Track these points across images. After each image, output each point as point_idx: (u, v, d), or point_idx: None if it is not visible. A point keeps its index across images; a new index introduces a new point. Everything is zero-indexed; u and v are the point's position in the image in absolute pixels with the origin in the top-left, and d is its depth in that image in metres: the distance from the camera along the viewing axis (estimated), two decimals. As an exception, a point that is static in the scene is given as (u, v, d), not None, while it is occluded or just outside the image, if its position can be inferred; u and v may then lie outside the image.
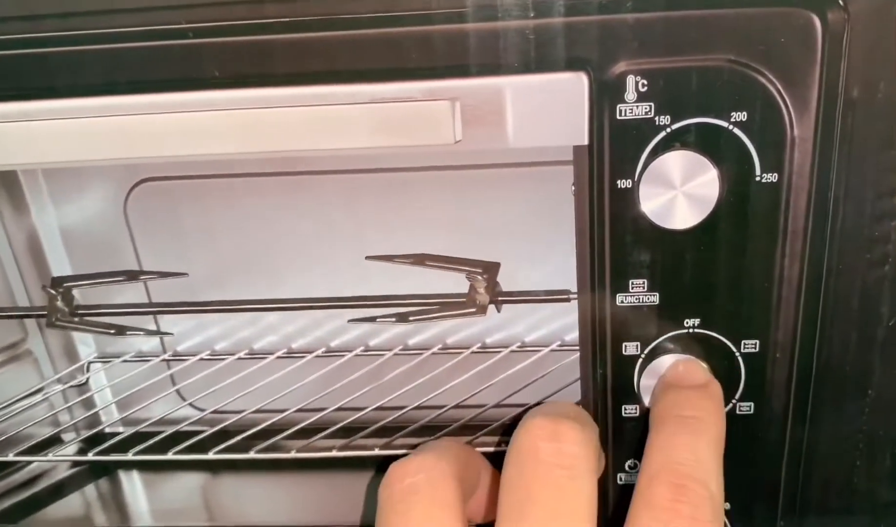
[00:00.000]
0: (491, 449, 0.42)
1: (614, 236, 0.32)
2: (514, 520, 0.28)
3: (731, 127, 0.29)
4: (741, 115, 0.29)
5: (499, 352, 0.48)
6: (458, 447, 0.33)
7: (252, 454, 0.47)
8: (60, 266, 0.51)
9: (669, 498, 0.28)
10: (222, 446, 0.47)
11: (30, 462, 0.51)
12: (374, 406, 0.48)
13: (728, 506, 0.36)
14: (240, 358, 0.51)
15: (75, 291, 0.48)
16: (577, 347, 0.35)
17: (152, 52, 0.30)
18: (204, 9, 0.30)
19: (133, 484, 0.53)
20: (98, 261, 0.49)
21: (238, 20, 0.30)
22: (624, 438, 0.36)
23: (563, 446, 0.29)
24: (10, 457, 0.49)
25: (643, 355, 0.34)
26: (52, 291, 0.47)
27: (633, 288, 0.32)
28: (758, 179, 0.30)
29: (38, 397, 0.52)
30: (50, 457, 0.51)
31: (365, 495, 0.46)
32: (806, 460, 0.35)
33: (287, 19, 0.29)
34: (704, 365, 0.33)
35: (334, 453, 0.47)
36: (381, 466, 0.41)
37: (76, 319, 0.48)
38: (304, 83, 0.30)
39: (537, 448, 0.29)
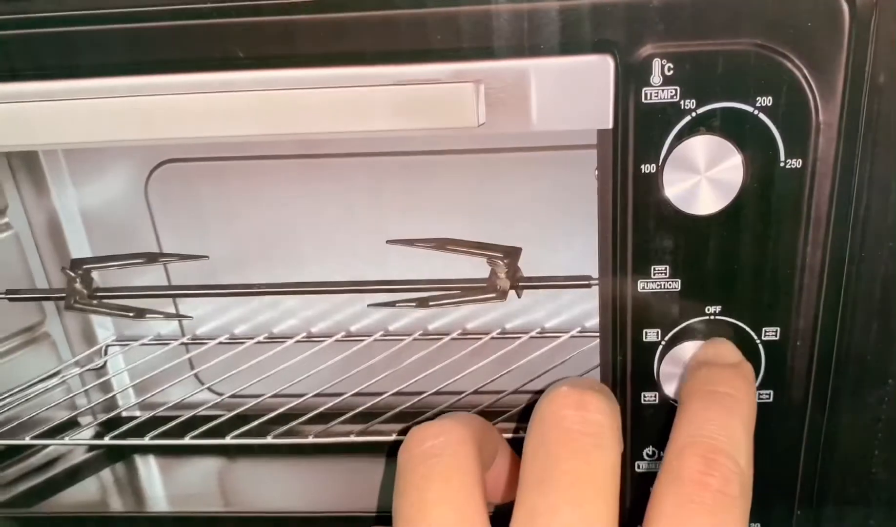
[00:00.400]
0: (509, 435, 0.42)
1: (637, 222, 0.32)
2: (536, 485, 0.28)
3: (756, 112, 0.29)
4: (767, 100, 0.29)
5: (518, 338, 0.49)
6: (477, 418, 0.33)
7: (269, 439, 0.47)
8: (80, 248, 0.51)
9: (699, 471, 0.28)
10: (240, 430, 0.48)
11: (46, 446, 0.52)
12: (392, 391, 0.48)
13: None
14: (259, 342, 0.52)
15: (94, 274, 0.49)
16: (598, 334, 0.35)
17: (176, 32, 0.30)
18: (229, -12, 0.30)
19: (149, 469, 0.53)
20: (118, 243, 0.49)
21: (262, 0, 0.30)
22: (643, 425, 0.36)
23: (589, 414, 0.30)
24: (27, 440, 0.49)
25: (664, 342, 0.34)
26: (72, 274, 0.47)
27: (654, 274, 0.33)
28: (782, 164, 0.30)
29: (55, 380, 0.52)
30: (66, 441, 0.51)
31: (382, 480, 0.46)
32: (824, 449, 0.36)
33: (311, 0, 0.30)
34: (734, 345, 0.33)
35: (352, 439, 0.47)
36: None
37: (95, 302, 0.48)
38: (328, 65, 0.30)
39: (562, 416, 0.30)
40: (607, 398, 0.31)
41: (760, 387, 0.34)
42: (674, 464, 0.29)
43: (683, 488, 0.28)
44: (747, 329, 0.33)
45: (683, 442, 0.29)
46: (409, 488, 0.30)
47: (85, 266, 0.48)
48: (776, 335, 0.33)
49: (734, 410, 0.30)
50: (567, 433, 0.29)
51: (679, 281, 0.33)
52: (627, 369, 0.35)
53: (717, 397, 0.31)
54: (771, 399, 0.35)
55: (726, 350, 0.33)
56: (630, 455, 0.37)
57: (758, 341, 0.34)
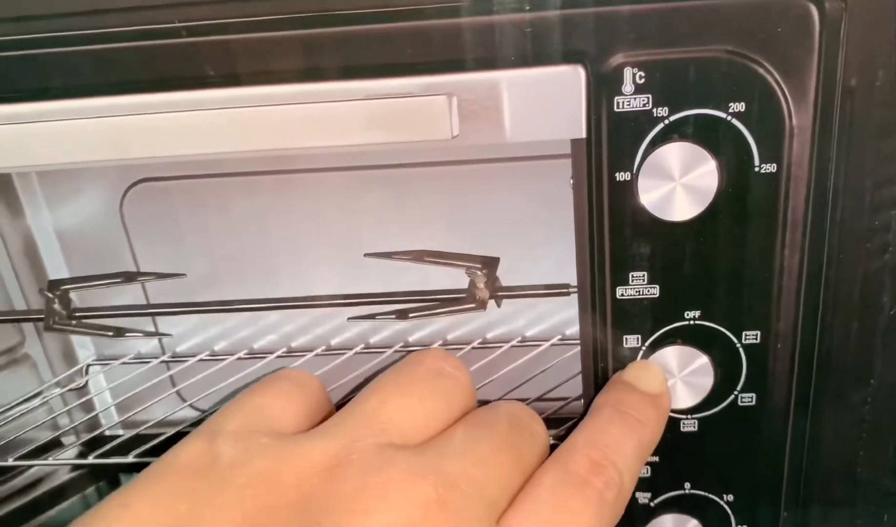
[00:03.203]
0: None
1: (613, 229, 0.31)
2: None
3: (729, 118, 0.29)
4: (739, 106, 0.29)
5: (500, 347, 0.48)
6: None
7: (253, 455, 0.47)
8: (57, 269, 0.50)
9: (585, 468, 0.29)
10: (223, 447, 0.47)
11: (30, 467, 0.51)
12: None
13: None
14: (239, 358, 0.51)
15: (73, 294, 0.48)
16: (578, 342, 0.35)
17: (145, 52, 0.30)
18: (196, 7, 0.29)
19: (134, 487, 0.53)
20: (95, 263, 0.49)
21: (231, 18, 0.29)
22: (626, 432, 0.36)
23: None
24: (10, 461, 0.49)
25: (644, 348, 0.34)
26: (50, 295, 0.47)
27: (633, 281, 0.32)
28: (757, 169, 0.30)
29: (37, 401, 0.51)
30: (50, 461, 0.51)
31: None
32: (809, 450, 0.35)
33: (280, 16, 0.29)
34: (664, 374, 0.34)
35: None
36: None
37: (74, 322, 0.47)
38: (300, 80, 0.30)
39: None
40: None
41: (742, 391, 0.34)
42: (564, 457, 0.30)
43: (567, 478, 0.29)
44: (727, 333, 0.33)
45: (578, 443, 0.30)
46: (406, 370, 0.31)
47: (63, 287, 0.47)
48: (757, 338, 0.33)
49: (636, 434, 0.31)
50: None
51: (657, 287, 0.32)
52: (609, 376, 0.34)
53: (624, 417, 0.32)
54: (753, 402, 0.34)
55: (651, 377, 0.34)
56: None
57: (738, 345, 0.33)
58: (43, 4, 0.30)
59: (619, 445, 0.30)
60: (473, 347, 0.49)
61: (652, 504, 0.37)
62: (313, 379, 0.32)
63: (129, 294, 0.50)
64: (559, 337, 0.48)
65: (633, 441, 0.31)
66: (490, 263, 0.40)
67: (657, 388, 0.33)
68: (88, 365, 0.54)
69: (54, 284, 0.48)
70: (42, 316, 0.47)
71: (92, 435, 0.53)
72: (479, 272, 0.40)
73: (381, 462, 0.27)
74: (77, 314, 0.48)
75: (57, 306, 0.47)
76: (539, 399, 0.45)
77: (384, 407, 0.29)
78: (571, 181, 0.32)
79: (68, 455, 0.53)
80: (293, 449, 0.28)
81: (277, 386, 0.31)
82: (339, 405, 0.33)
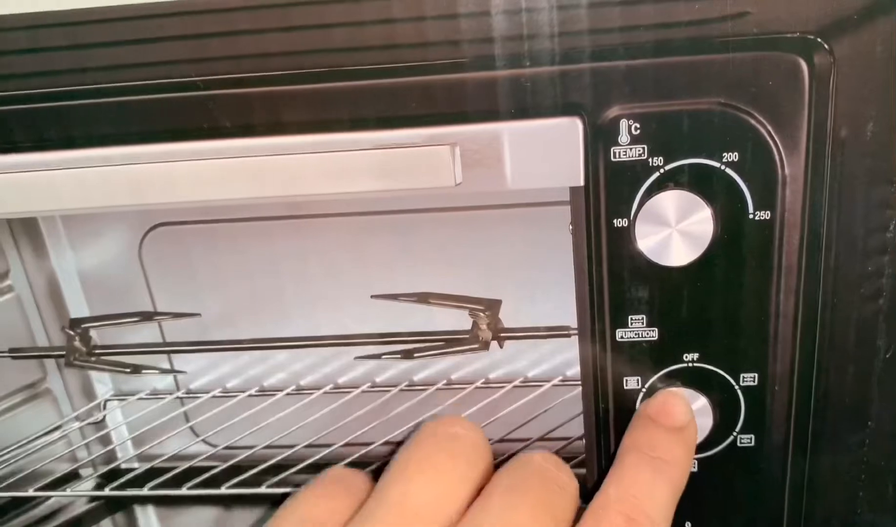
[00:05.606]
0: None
1: (612, 274, 0.31)
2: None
3: (723, 167, 0.29)
4: (733, 156, 0.29)
5: (502, 387, 0.48)
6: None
7: (263, 489, 0.47)
8: (78, 308, 0.51)
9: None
10: (235, 480, 0.47)
11: (48, 498, 0.51)
12: (380, 441, 0.47)
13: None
14: (250, 395, 0.51)
15: (92, 332, 0.48)
16: (579, 382, 0.34)
17: (165, 104, 0.30)
18: (214, 62, 0.30)
19: (148, 518, 0.53)
20: (114, 302, 0.49)
21: (246, 73, 0.30)
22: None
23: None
24: (30, 492, 0.49)
25: (644, 389, 0.33)
26: (71, 332, 0.47)
27: (632, 324, 0.32)
28: (751, 216, 0.30)
29: (57, 434, 0.52)
30: (68, 492, 0.51)
31: None
32: (808, 491, 0.34)
33: (293, 72, 0.30)
34: (688, 403, 0.33)
35: (343, 487, 0.46)
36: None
37: (93, 359, 0.48)
38: (311, 131, 0.30)
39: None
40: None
41: (741, 432, 0.33)
42: (599, 513, 0.29)
43: None
44: (725, 375, 0.33)
45: (610, 496, 0.30)
46: (422, 443, 0.30)
47: (83, 325, 0.48)
48: (754, 381, 0.32)
49: (665, 476, 0.31)
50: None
51: (656, 330, 0.32)
52: (610, 416, 0.34)
53: (652, 461, 0.31)
54: (752, 443, 0.34)
55: (677, 409, 0.32)
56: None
57: (736, 387, 0.33)
58: (69, 60, 0.30)
59: (651, 492, 0.30)
60: (476, 387, 0.48)
61: (652, 545, 0.36)
62: (359, 475, 0.32)
63: (146, 332, 0.50)
64: (560, 378, 0.47)
65: (664, 484, 0.30)
66: (493, 305, 0.40)
67: (682, 419, 0.32)
68: (106, 400, 0.54)
69: (75, 323, 0.48)
70: (63, 353, 0.48)
71: (108, 468, 0.53)
72: (481, 314, 0.40)
73: None
74: (96, 351, 0.48)
75: (77, 343, 0.47)
76: (541, 439, 0.44)
77: (409, 489, 0.28)
78: (571, 227, 0.32)
79: (86, 487, 0.53)
80: None
81: (325, 487, 0.31)
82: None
